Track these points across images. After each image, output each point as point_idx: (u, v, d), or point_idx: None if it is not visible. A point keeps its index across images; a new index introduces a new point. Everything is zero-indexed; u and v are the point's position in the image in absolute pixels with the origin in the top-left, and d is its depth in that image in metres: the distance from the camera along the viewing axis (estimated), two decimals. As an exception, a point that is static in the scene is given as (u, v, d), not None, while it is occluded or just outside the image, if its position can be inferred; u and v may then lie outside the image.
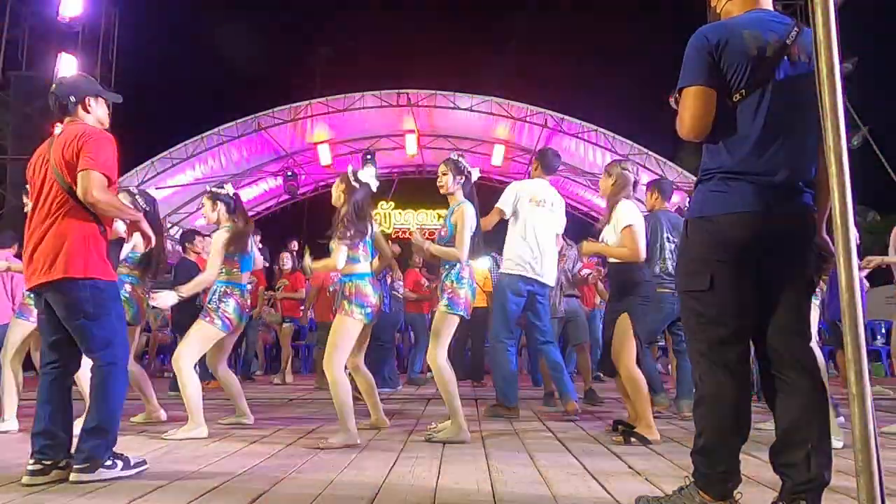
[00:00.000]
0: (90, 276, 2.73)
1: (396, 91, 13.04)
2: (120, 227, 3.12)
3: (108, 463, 2.67)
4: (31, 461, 2.66)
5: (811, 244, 2.02)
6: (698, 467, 2.00)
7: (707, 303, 2.00)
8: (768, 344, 2.01)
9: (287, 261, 8.61)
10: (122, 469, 2.69)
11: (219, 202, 4.29)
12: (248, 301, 4.35)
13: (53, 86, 2.96)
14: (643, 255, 3.83)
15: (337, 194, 3.88)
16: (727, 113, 1.98)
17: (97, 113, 2.95)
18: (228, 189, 4.35)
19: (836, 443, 3.12)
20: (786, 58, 1.98)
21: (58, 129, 2.95)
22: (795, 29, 2.01)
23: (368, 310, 3.71)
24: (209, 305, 4.12)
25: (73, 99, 2.89)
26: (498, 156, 13.51)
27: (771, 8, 2.13)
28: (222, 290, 4.14)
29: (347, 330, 3.69)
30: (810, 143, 1.98)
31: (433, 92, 13.08)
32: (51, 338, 2.83)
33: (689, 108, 1.98)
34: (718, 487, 1.96)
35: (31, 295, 3.42)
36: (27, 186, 3.00)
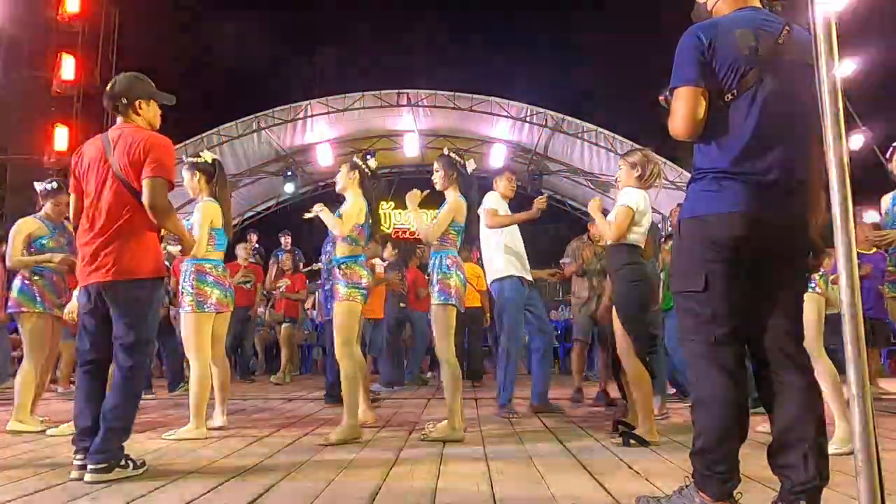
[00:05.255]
0: (155, 276, 2.86)
1: (396, 91, 13.04)
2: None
3: (123, 463, 2.69)
4: (80, 457, 2.70)
5: (805, 245, 2.02)
6: (698, 468, 2.00)
7: (703, 303, 1.99)
8: (762, 344, 2.01)
9: (288, 261, 8.62)
10: (133, 469, 2.70)
11: (198, 172, 4.02)
12: (228, 275, 4.14)
13: (108, 86, 3.00)
14: (615, 236, 3.70)
15: (347, 181, 3.96)
16: (719, 112, 1.97)
17: (147, 115, 3.01)
18: (207, 157, 4.10)
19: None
20: (778, 57, 1.98)
21: (113, 130, 2.98)
22: (787, 28, 2.01)
23: (364, 291, 3.80)
24: (183, 292, 3.88)
25: (124, 101, 2.95)
26: (498, 156, 13.50)
27: (760, 6, 2.13)
28: (192, 269, 3.91)
29: (352, 315, 3.75)
30: (804, 142, 1.97)
31: (433, 92, 13.07)
32: (92, 337, 2.87)
33: (682, 108, 1.98)
34: (718, 488, 1.96)
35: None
36: (69, 182, 3.04)
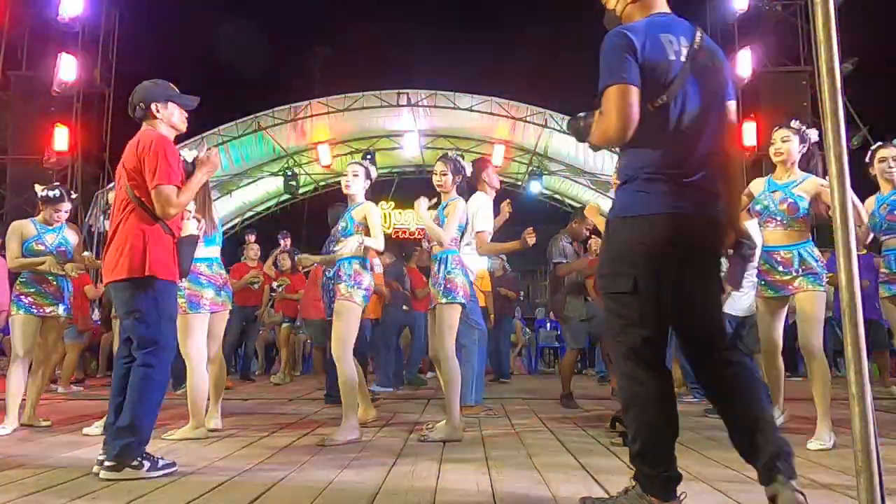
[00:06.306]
0: (148, 275, 2.81)
1: (396, 91, 13.03)
2: (191, 226, 3.12)
3: (135, 463, 2.68)
4: (101, 452, 2.75)
5: (724, 242, 2.11)
6: (642, 470, 1.99)
7: (631, 305, 2.00)
8: (694, 340, 2.06)
9: (287, 260, 8.61)
10: (147, 470, 2.69)
11: None
12: (223, 273, 4.08)
13: (129, 98, 3.09)
14: None
15: (359, 183, 3.95)
16: (648, 116, 1.98)
17: (167, 118, 3.04)
18: (186, 155, 3.85)
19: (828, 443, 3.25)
20: (697, 62, 2.03)
21: None
22: (699, 33, 2.06)
23: (365, 293, 3.78)
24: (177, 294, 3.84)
25: (142, 106, 3.01)
26: (498, 156, 13.50)
27: (668, 10, 2.16)
28: None
29: (352, 315, 3.72)
30: (719, 143, 2.07)
31: (433, 92, 13.07)
32: (124, 334, 2.94)
33: (617, 106, 1.94)
34: (662, 488, 1.95)
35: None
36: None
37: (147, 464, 2.71)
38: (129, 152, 2.91)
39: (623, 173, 2.09)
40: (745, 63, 12.07)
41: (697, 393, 5.25)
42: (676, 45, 2.01)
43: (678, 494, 1.97)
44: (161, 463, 2.76)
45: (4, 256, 4.80)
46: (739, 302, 4.86)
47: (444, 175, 3.99)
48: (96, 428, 3.87)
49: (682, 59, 2.00)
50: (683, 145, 2.00)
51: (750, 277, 4.70)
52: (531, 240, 4.76)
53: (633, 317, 2.00)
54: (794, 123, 3.61)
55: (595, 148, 2.14)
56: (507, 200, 5.05)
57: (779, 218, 3.53)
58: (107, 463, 2.66)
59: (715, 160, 2.06)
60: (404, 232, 15.76)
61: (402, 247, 8.16)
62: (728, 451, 3.25)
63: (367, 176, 4.01)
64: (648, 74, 1.97)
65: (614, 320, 2.05)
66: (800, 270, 3.45)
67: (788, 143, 3.56)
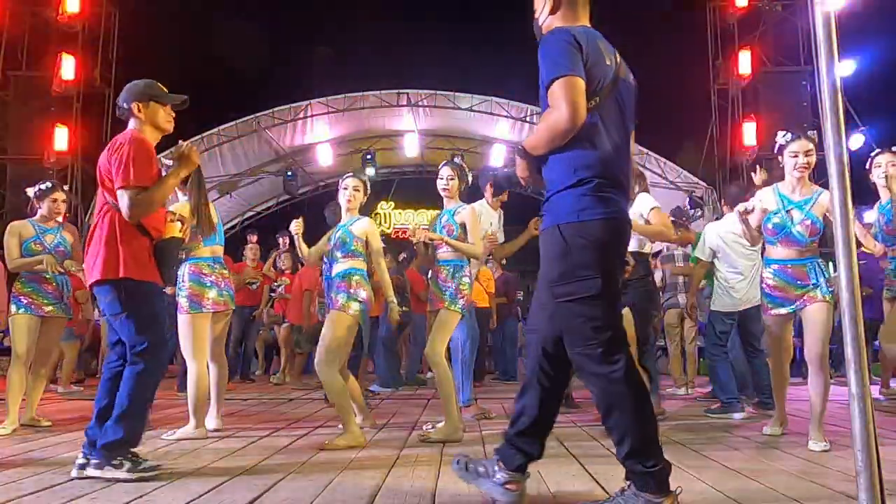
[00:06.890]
0: (123, 276, 2.76)
1: (396, 91, 13.04)
2: (174, 228, 3.04)
3: (115, 462, 2.66)
4: (80, 455, 2.74)
5: None
6: (634, 470, 1.97)
7: (601, 307, 2.01)
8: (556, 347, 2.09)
9: (287, 260, 8.61)
10: (126, 470, 2.66)
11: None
12: (226, 273, 4.06)
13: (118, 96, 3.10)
14: (674, 234, 3.89)
15: (359, 199, 3.96)
16: (590, 118, 2.01)
17: (150, 118, 2.97)
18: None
19: (820, 446, 3.24)
20: (620, 73, 2.11)
21: None
22: (615, 51, 2.14)
23: (362, 304, 3.71)
24: (178, 294, 3.83)
25: (125, 106, 2.98)
26: (498, 156, 13.51)
27: (589, 24, 2.21)
28: (188, 270, 3.87)
29: (343, 325, 3.65)
30: (630, 155, 2.22)
31: (433, 92, 13.08)
32: (112, 337, 2.95)
33: (568, 95, 1.94)
34: (657, 482, 1.95)
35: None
36: None
37: (127, 464, 2.66)
38: (102, 155, 2.86)
39: (567, 176, 2.06)
40: (745, 63, 12.07)
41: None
42: (610, 52, 2.09)
43: (674, 489, 1.97)
44: (145, 464, 2.70)
45: (2, 258, 4.80)
46: (733, 298, 4.68)
47: (452, 180, 4.00)
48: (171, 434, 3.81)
49: (615, 67, 2.08)
50: (617, 151, 2.08)
51: (742, 271, 4.66)
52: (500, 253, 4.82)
53: (605, 318, 2.01)
54: (811, 133, 3.55)
55: (529, 174, 2.20)
56: (536, 219, 4.97)
57: (797, 238, 3.42)
58: (94, 460, 2.66)
59: (629, 170, 2.23)
60: (404, 232, 15.75)
61: (401, 248, 8.15)
62: (728, 451, 3.27)
63: (366, 191, 4.03)
64: (590, 74, 2.01)
65: (584, 325, 2.01)
66: (812, 282, 3.39)
67: (811, 157, 3.42)
